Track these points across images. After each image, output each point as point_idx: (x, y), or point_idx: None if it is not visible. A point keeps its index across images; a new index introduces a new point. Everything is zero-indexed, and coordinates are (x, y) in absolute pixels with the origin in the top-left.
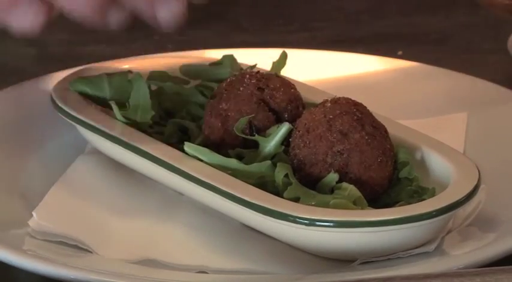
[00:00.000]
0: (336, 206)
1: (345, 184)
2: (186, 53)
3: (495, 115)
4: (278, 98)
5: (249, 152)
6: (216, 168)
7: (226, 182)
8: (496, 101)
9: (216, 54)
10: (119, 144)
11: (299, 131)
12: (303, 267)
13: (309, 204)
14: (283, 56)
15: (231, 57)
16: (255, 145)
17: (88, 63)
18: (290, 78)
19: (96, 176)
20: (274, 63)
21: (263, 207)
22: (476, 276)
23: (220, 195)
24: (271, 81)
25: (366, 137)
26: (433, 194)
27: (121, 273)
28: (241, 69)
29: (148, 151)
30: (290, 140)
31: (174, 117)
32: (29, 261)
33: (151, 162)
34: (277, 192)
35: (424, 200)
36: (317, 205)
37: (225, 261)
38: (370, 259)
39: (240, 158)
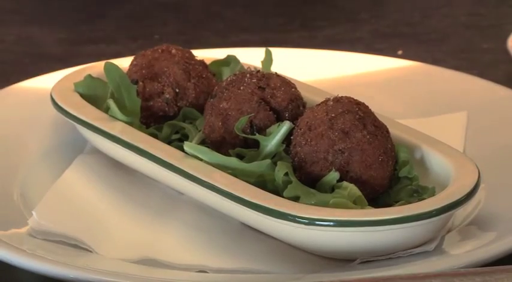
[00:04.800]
0: (335, 205)
1: (345, 183)
2: None
3: (495, 115)
4: (279, 97)
5: (249, 151)
6: (216, 168)
7: (226, 182)
8: (496, 101)
9: (216, 53)
10: (119, 144)
11: (300, 129)
12: (303, 267)
13: (308, 204)
14: (268, 53)
15: (234, 57)
16: (256, 144)
17: (88, 62)
18: (290, 78)
19: (96, 175)
20: (262, 62)
21: (263, 206)
22: (476, 275)
23: (220, 194)
24: (272, 80)
25: (368, 136)
26: (433, 193)
27: (121, 273)
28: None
29: (148, 150)
30: (291, 138)
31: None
32: (29, 261)
33: (151, 162)
34: (278, 191)
35: (424, 199)
36: (317, 204)
37: (225, 260)
38: (370, 258)
39: (240, 157)
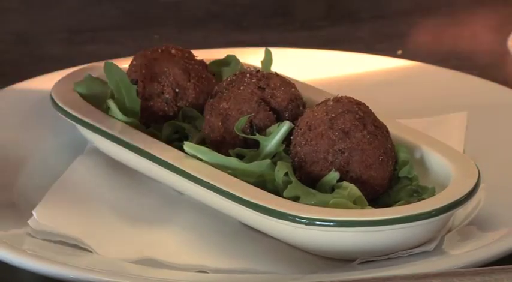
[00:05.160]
0: (335, 206)
1: (345, 183)
2: None
3: (495, 115)
4: (279, 97)
5: (249, 151)
6: (216, 168)
7: (226, 182)
8: (496, 101)
9: (216, 53)
10: (119, 144)
11: (300, 129)
12: (303, 267)
13: (308, 204)
14: (268, 53)
15: (234, 57)
16: (256, 144)
17: (88, 62)
18: (290, 78)
19: (95, 175)
20: (262, 62)
21: (263, 206)
22: (476, 275)
23: (220, 194)
24: (272, 80)
25: (368, 136)
26: (432, 193)
27: (121, 273)
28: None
29: (148, 151)
30: (291, 138)
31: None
32: (29, 261)
33: (151, 162)
34: (278, 191)
35: (423, 199)
36: (317, 204)
37: (225, 261)
38: (370, 258)
39: (240, 157)
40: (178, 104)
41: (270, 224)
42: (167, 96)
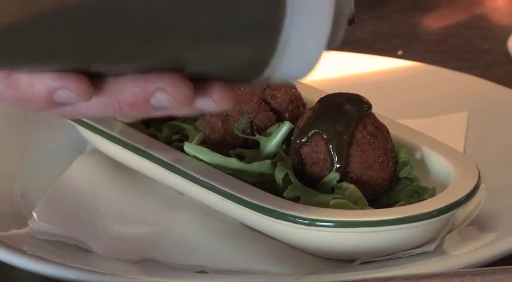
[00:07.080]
0: (336, 206)
1: (345, 184)
2: None
3: (495, 115)
4: (279, 97)
5: (249, 152)
6: (216, 168)
7: (226, 182)
8: (496, 101)
9: None
10: (119, 145)
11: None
12: (303, 267)
13: (309, 204)
14: None
15: None
16: (256, 145)
17: None
18: None
19: (96, 176)
20: None
21: (263, 207)
22: (476, 276)
23: (220, 195)
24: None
25: (368, 137)
26: (433, 193)
27: (121, 274)
28: None
29: (148, 151)
30: (291, 138)
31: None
32: (29, 261)
33: (151, 162)
34: (278, 192)
35: (424, 199)
36: (317, 205)
37: (225, 261)
38: (370, 259)
39: (240, 157)
40: None
41: (270, 224)
42: None
